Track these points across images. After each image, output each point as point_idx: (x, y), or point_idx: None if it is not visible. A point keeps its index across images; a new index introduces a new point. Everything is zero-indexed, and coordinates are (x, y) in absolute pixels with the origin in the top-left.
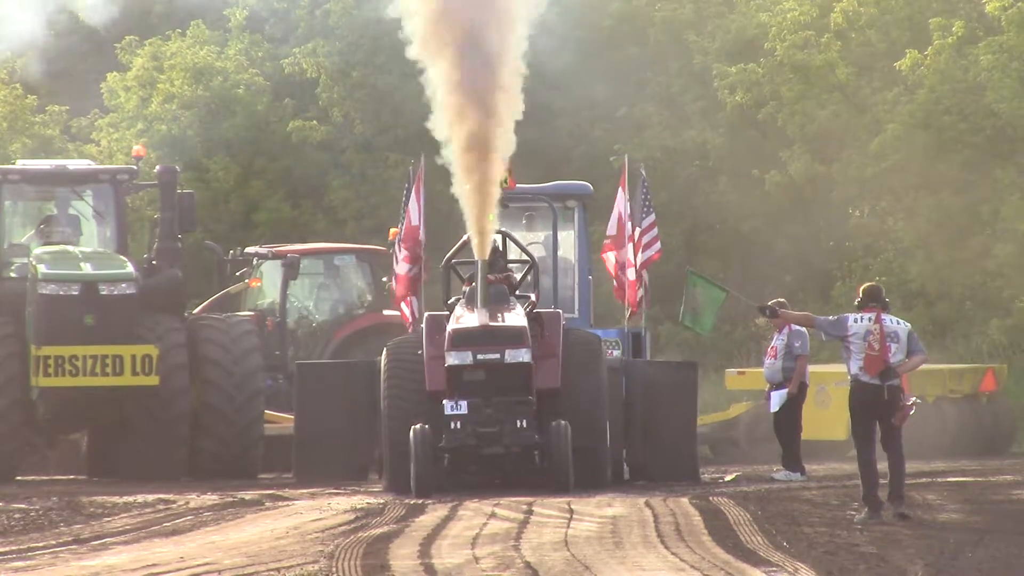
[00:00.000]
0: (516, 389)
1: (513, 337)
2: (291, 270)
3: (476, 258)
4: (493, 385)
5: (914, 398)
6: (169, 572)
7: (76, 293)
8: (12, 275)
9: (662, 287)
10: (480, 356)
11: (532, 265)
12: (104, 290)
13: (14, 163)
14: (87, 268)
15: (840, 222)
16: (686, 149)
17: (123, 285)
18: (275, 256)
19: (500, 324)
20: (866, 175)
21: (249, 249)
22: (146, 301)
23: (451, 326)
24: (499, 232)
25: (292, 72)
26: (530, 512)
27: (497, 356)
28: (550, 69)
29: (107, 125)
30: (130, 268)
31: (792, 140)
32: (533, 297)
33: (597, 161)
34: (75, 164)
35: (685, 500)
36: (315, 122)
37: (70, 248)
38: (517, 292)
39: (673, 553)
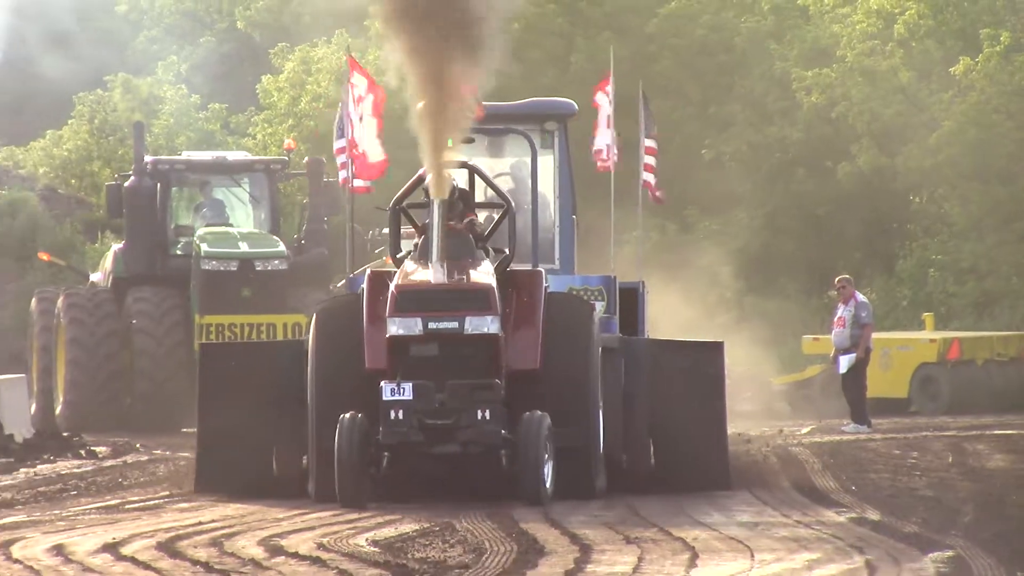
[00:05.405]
0: (479, 370)
1: (477, 299)
2: None
3: (432, 198)
4: (449, 364)
5: None
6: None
7: (234, 269)
8: (178, 253)
9: (746, 262)
10: (433, 325)
11: (507, 209)
12: (259, 266)
13: (180, 155)
14: (244, 247)
15: (902, 207)
16: (768, 143)
17: (276, 262)
18: (408, 236)
19: (460, 282)
20: (925, 166)
21: (386, 230)
22: (296, 276)
23: (395, 283)
24: (464, 166)
25: None
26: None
27: (455, 325)
28: (649, 71)
29: (262, 121)
30: (282, 247)
31: (860, 135)
32: (507, 251)
33: (689, 152)
34: (233, 155)
35: (767, 450)
36: None
37: (230, 229)
38: (489, 246)
39: (755, 495)
